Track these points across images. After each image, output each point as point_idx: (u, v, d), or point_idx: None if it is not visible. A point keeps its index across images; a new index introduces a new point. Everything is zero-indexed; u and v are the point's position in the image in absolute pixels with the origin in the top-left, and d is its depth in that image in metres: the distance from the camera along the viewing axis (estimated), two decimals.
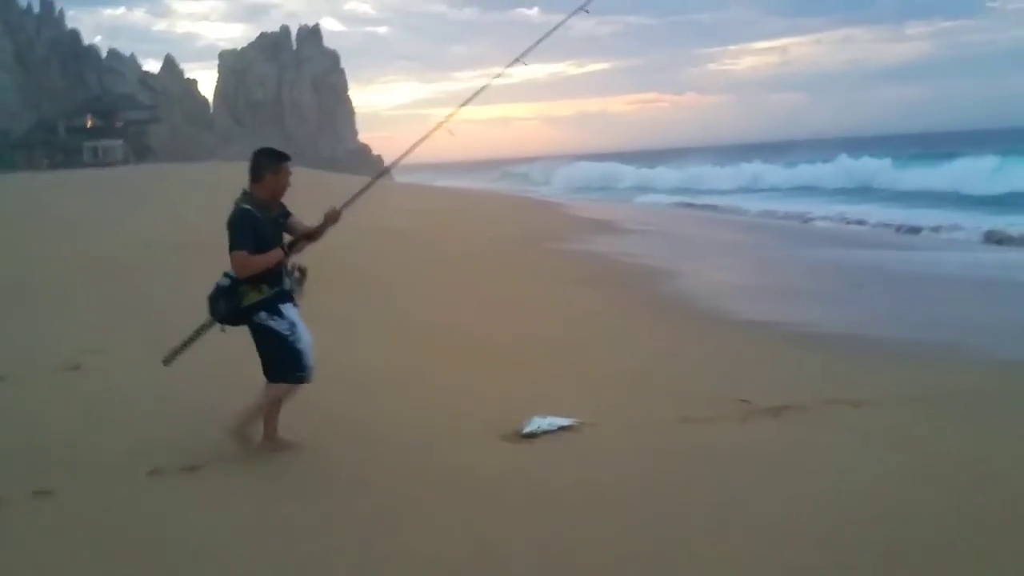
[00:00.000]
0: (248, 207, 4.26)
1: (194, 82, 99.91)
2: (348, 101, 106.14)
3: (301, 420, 4.93)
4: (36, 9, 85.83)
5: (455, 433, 5.21)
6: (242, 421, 4.49)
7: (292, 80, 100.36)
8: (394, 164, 5.69)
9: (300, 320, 4.42)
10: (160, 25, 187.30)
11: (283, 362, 4.32)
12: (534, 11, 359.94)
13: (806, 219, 26.56)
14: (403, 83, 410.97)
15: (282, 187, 4.38)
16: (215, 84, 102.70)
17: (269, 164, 4.33)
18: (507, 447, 4.91)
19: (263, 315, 4.29)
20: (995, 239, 18.91)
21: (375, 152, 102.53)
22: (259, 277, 4.26)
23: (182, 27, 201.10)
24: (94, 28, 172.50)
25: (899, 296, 11.66)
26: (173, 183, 27.07)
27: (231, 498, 4.20)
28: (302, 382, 4.46)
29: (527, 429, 5.02)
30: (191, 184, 26.38)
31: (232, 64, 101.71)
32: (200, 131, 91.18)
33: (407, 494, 4.24)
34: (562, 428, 5.09)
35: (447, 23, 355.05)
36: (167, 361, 4.51)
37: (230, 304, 4.25)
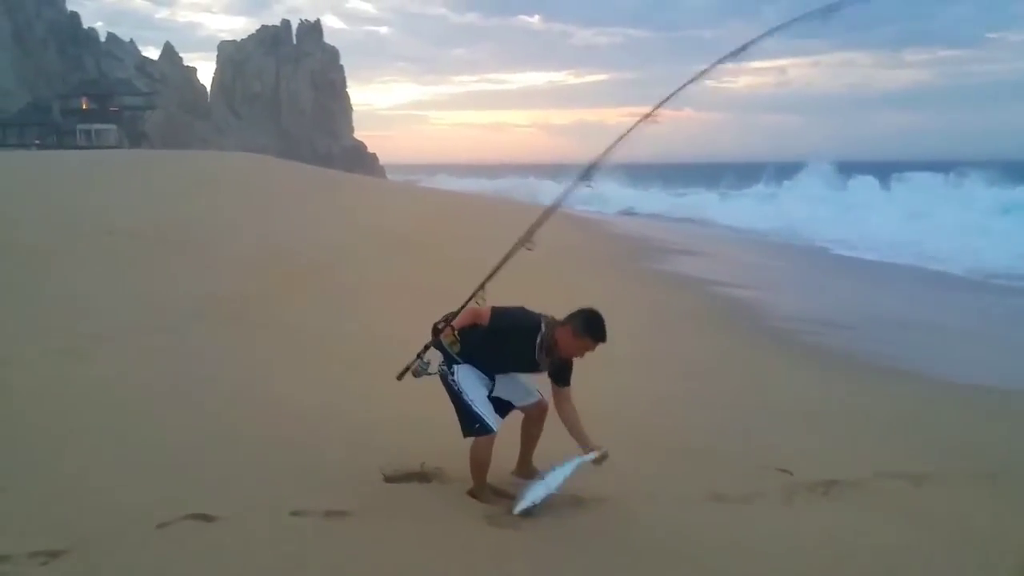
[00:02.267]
0: (543, 330, 4.11)
1: (193, 70, 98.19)
2: (346, 98, 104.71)
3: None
4: None
5: (436, 509, 4.11)
6: (474, 484, 4.25)
7: (290, 74, 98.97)
8: (601, 157, 4.29)
9: (474, 385, 4.20)
10: (162, 13, 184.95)
11: (459, 415, 4.18)
12: (535, 18, 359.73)
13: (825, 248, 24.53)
14: (401, 84, 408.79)
15: (569, 351, 4.15)
16: (213, 74, 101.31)
17: (577, 327, 4.07)
18: (493, 533, 3.79)
19: (444, 365, 4.25)
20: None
21: (370, 150, 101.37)
22: (462, 335, 4.17)
23: (184, 16, 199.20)
24: (95, 12, 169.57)
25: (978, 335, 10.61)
26: (159, 169, 25.77)
27: None
28: (484, 433, 4.11)
29: (521, 506, 3.91)
30: (177, 172, 25.15)
31: (231, 55, 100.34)
32: (196, 120, 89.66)
33: None
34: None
35: (448, 26, 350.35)
36: (400, 376, 4.25)
37: (435, 338, 4.24)
